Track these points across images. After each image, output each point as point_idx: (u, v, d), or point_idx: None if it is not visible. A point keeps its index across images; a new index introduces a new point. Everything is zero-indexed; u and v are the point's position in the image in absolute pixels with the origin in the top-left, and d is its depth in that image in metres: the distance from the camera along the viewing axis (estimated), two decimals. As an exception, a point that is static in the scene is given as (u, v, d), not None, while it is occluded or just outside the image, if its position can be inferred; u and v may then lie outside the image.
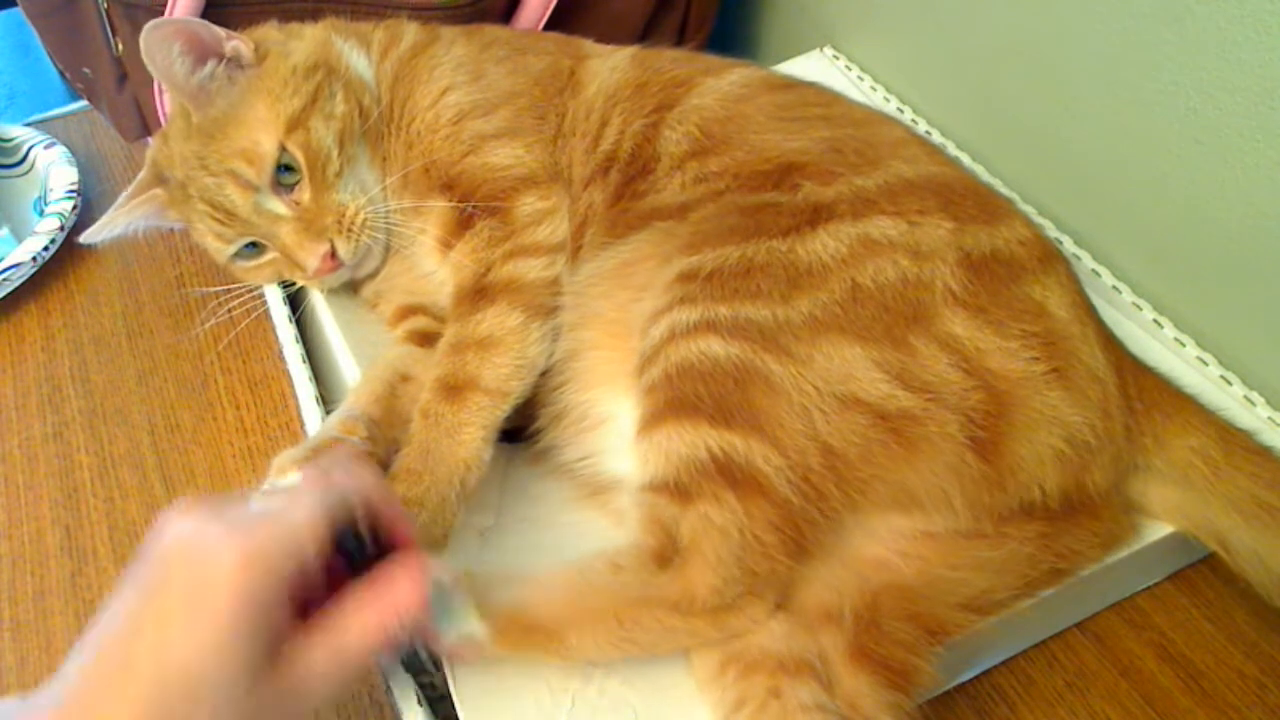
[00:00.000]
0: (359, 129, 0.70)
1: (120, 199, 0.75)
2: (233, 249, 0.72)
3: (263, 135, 0.67)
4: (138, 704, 0.38)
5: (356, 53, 0.74)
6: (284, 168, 0.68)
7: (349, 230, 0.69)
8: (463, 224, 0.69)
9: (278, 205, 0.69)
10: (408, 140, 0.72)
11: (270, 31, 0.74)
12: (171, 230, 0.96)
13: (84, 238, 0.76)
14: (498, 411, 0.62)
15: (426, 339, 0.71)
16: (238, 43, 0.70)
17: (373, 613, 0.43)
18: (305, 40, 0.73)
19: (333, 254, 0.69)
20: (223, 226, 0.70)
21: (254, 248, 0.72)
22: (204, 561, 0.40)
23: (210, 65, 0.68)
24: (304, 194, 0.69)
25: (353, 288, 0.78)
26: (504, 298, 0.65)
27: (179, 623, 0.39)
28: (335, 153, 0.69)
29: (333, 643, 0.42)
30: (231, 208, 0.69)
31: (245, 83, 0.69)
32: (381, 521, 0.47)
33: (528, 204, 0.68)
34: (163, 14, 0.84)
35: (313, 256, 0.69)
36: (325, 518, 0.43)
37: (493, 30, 0.79)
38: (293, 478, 0.56)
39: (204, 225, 0.71)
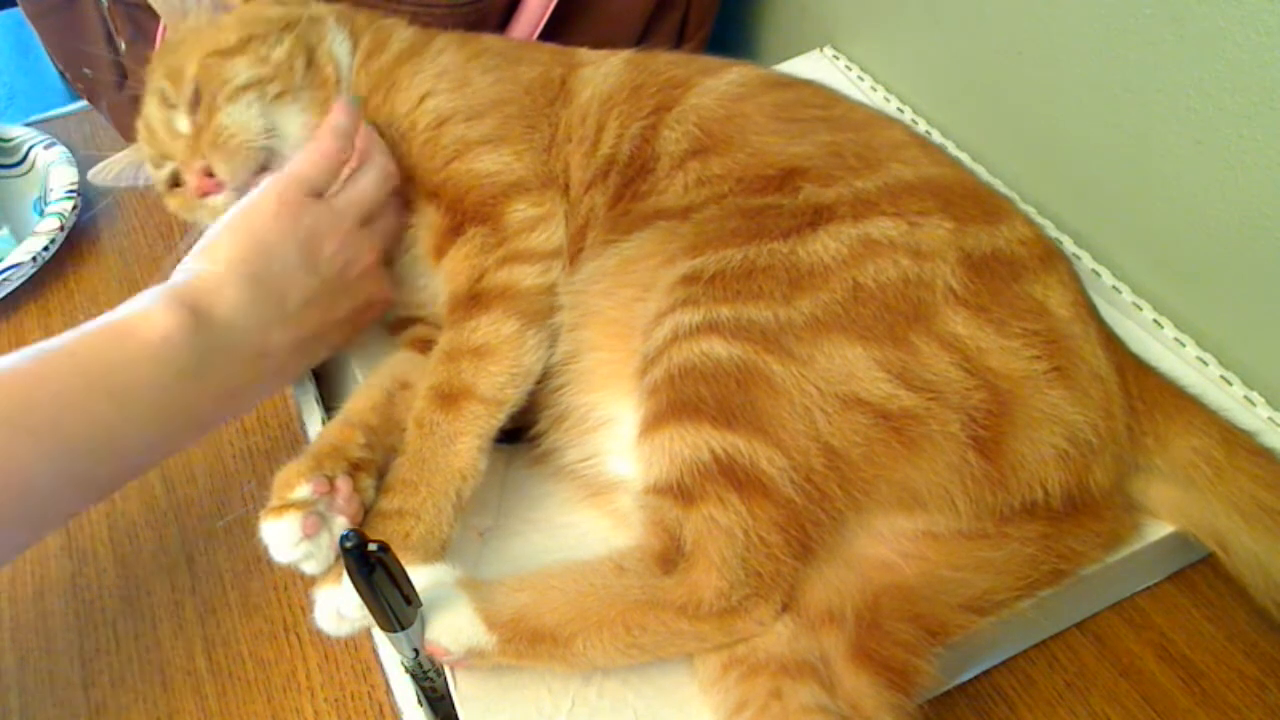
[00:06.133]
0: (298, 84, 0.71)
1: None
2: (162, 174, 0.74)
3: (190, 58, 0.70)
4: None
5: (342, 36, 0.75)
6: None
7: (222, 147, 0.68)
8: (454, 231, 0.68)
9: (183, 123, 0.71)
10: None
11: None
12: (172, 230, 0.96)
13: (90, 174, 0.84)
14: (494, 421, 0.61)
15: (427, 346, 0.70)
16: None
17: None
18: (300, 5, 0.75)
19: (209, 173, 0.69)
20: (150, 149, 0.73)
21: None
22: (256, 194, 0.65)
23: None
24: (201, 115, 0.70)
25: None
26: (499, 305, 0.64)
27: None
28: (235, 84, 0.69)
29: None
30: (152, 124, 0.72)
31: (216, 18, 0.73)
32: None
33: (519, 210, 0.67)
34: (163, 14, 0.84)
35: (191, 173, 0.70)
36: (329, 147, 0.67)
37: (486, 39, 0.78)
38: (303, 490, 0.56)
39: (145, 155, 0.75)
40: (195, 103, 0.70)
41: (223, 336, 0.59)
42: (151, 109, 0.72)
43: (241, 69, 0.69)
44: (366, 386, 0.67)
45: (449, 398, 0.61)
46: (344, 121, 0.67)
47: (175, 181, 0.73)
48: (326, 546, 0.56)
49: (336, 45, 0.74)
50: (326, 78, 0.72)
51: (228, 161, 0.69)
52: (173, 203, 0.75)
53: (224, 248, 0.61)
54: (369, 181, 0.68)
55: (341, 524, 0.57)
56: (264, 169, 0.69)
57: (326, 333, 0.66)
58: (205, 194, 0.70)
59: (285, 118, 0.71)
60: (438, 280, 0.70)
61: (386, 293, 0.70)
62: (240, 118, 0.69)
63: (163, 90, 0.71)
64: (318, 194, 0.66)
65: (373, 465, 0.61)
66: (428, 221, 0.70)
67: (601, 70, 0.74)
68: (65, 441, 0.53)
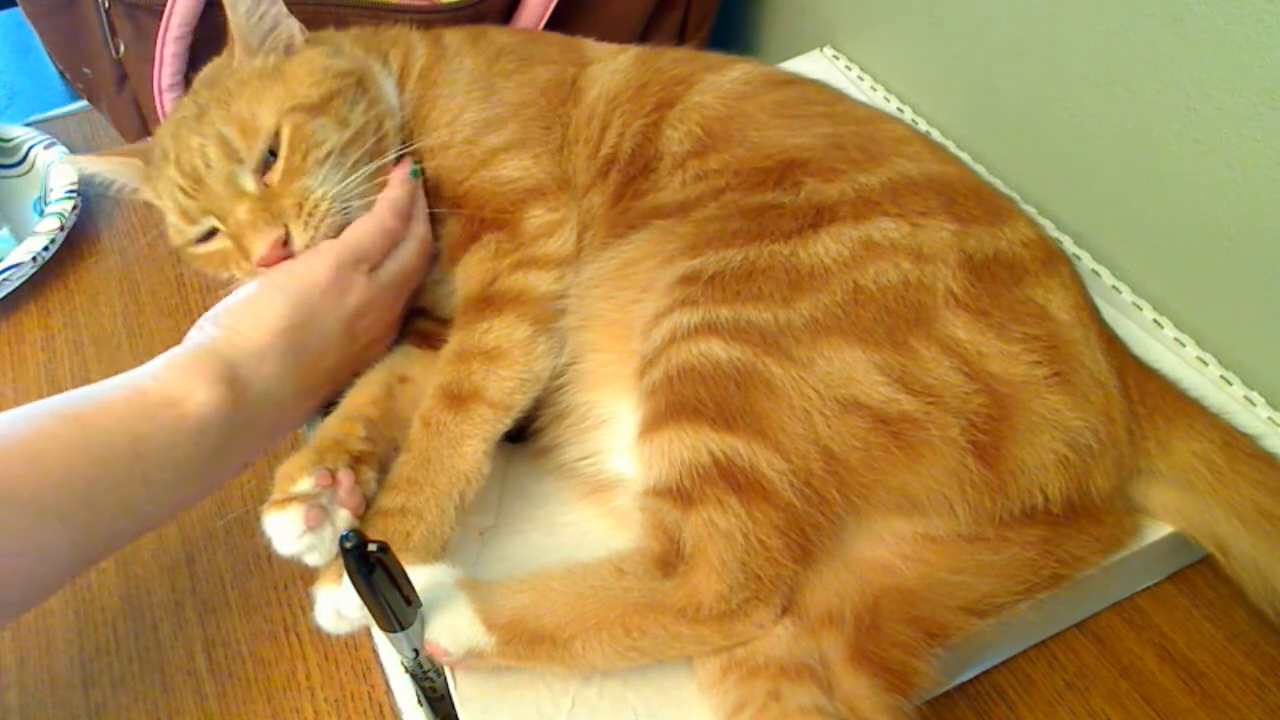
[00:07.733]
0: (372, 148, 0.67)
1: (117, 150, 0.75)
2: (194, 231, 0.66)
3: (265, 110, 0.64)
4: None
5: (391, 82, 0.72)
6: (272, 152, 0.64)
7: (308, 216, 0.63)
8: (470, 237, 0.68)
9: (249, 182, 0.64)
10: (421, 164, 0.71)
11: (328, 34, 0.74)
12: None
13: (69, 158, 0.81)
14: (500, 425, 0.61)
15: (426, 339, 0.70)
16: (296, 27, 0.69)
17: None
18: (348, 55, 0.71)
19: (285, 241, 0.63)
20: (188, 199, 0.65)
21: (212, 233, 0.67)
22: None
23: (272, 15, 0.68)
24: (275, 175, 0.64)
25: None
26: (512, 309, 0.64)
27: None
28: (325, 148, 0.64)
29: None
30: (203, 173, 0.64)
31: (282, 62, 0.67)
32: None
33: (536, 216, 0.67)
34: (162, 14, 0.84)
35: (261, 240, 0.62)
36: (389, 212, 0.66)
37: (498, 37, 0.77)
38: (305, 483, 0.56)
39: (170, 200, 0.66)
40: (263, 163, 0.64)
41: (253, 410, 0.59)
42: (210, 156, 0.64)
43: (331, 131, 0.65)
44: (365, 381, 0.67)
45: (458, 399, 0.61)
46: (403, 196, 0.66)
47: (206, 235, 0.67)
48: (329, 539, 0.56)
49: (387, 91, 0.71)
50: (387, 131, 0.69)
51: (310, 230, 0.63)
52: (202, 258, 0.68)
53: (270, 314, 0.60)
54: (412, 254, 0.67)
55: (344, 516, 0.57)
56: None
57: (325, 395, 0.66)
58: (273, 264, 0.63)
59: (361, 180, 0.66)
60: (450, 281, 0.70)
61: (382, 358, 0.69)
62: (327, 184, 0.64)
63: (225, 138, 0.63)
64: (370, 268, 0.65)
65: (374, 458, 0.61)
66: (446, 231, 0.70)
67: (609, 68, 0.74)
68: (92, 527, 0.53)
